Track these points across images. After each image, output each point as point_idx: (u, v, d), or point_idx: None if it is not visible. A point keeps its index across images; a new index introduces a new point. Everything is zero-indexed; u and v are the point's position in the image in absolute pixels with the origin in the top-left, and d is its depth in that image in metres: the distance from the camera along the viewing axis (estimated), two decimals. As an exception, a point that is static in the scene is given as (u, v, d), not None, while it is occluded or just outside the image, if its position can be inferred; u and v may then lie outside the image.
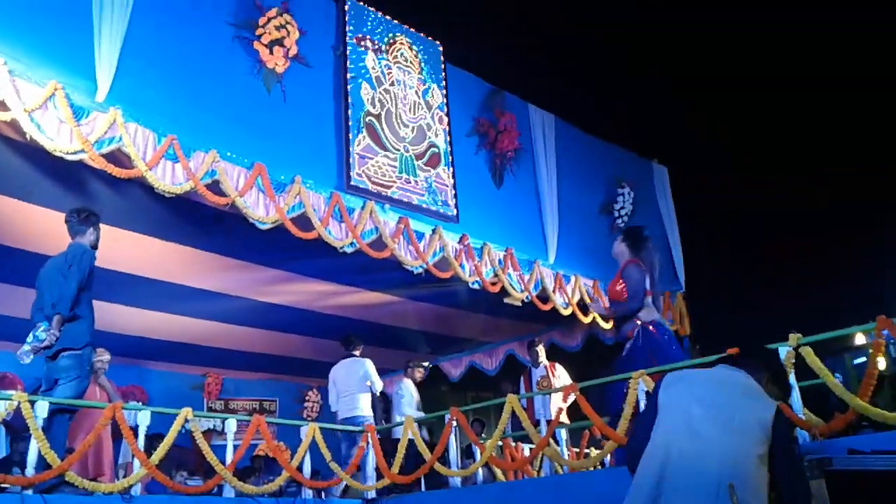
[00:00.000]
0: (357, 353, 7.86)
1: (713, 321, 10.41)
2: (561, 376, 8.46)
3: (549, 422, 6.65)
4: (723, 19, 11.93)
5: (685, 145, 12.13)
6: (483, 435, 9.78)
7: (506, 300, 8.45)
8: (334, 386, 7.69)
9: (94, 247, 5.31)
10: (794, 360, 4.67)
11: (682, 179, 11.25)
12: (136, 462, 5.22)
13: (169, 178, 5.66)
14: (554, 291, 8.76)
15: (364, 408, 7.47)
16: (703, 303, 10.68)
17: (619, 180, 10.13)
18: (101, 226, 5.46)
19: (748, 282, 11.06)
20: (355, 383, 7.55)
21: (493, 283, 8.07)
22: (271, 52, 6.45)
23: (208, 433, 7.81)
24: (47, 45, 5.14)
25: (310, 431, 6.20)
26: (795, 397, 4.58)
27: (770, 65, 12.07)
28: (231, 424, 6.02)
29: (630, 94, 12.68)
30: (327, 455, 6.25)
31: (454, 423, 6.39)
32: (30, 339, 4.89)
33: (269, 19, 6.46)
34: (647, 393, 4.56)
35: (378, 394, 7.71)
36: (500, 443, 6.44)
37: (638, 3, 12.19)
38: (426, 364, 9.09)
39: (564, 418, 7.22)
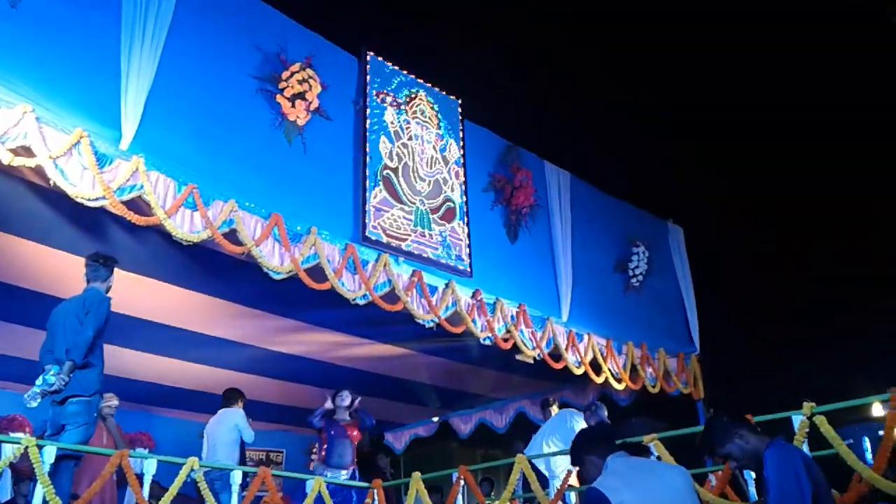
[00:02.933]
0: (234, 406, 7.54)
1: (728, 384, 10.27)
2: (574, 436, 8.33)
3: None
4: (736, 82, 12.06)
5: (701, 206, 12.16)
6: (492, 495, 9.62)
7: (517, 357, 8.39)
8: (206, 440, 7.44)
9: (107, 292, 5.36)
10: (807, 430, 4.60)
11: (698, 240, 11.24)
12: (140, 511, 5.16)
13: (187, 227, 5.71)
14: (566, 349, 8.69)
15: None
16: (718, 365, 10.55)
17: (633, 239, 10.12)
18: (119, 271, 5.53)
19: (765, 344, 10.93)
20: (223, 435, 7.29)
21: (506, 340, 8.02)
22: (293, 106, 6.56)
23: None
24: (75, 94, 5.26)
25: (315, 485, 6.12)
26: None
27: (786, 126, 12.12)
28: (236, 476, 5.96)
29: (646, 153, 12.77)
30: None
31: (462, 483, 6.29)
32: (39, 382, 4.89)
33: (293, 73, 6.59)
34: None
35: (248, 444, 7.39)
36: (508, 504, 6.31)
37: (655, 66, 12.36)
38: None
39: (574, 481, 7.08)
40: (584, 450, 3.32)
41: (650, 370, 9.75)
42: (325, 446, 7.13)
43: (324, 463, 6.96)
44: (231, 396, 7.58)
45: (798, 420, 4.61)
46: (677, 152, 12.74)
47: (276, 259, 6.26)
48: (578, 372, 8.81)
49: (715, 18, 11.29)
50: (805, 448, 4.54)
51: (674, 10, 11.39)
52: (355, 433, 7.25)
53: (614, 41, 12.16)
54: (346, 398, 7.42)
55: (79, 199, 5.14)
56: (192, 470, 5.48)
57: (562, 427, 7.90)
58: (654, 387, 9.68)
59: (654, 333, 10.07)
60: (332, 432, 7.14)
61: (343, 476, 7.07)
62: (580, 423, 7.75)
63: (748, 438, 3.17)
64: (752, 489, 5.34)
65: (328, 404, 7.35)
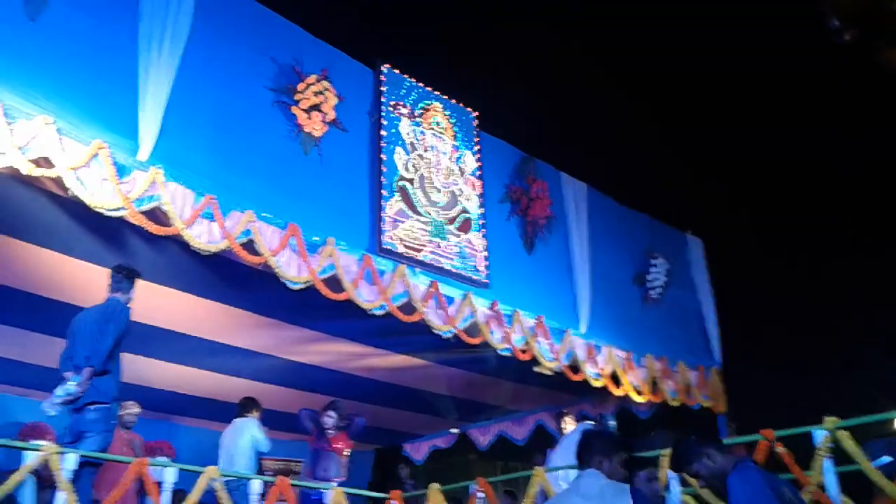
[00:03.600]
0: (249, 416, 7.58)
1: (750, 398, 10.14)
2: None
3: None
4: (757, 92, 11.99)
5: (722, 217, 12.07)
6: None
7: (536, 369, 8.36)
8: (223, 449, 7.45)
9: (128, 303, 5.44)
10: (830, 445, 4.52)
11: (718, 252, 11.15)
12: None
13: (205, 237, 5.78)
14: (585, 362, 8.64)
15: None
16: (740, 379, 10.43)
17: (652, 251, 10.07)
18: (138, 281, 5.61)
19: (787, 358, 10.80)
20: (239, 444, 7.31)
21: (524, 351, 8.00)
22: (309, 117, 6.63)
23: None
24: (94, 106, 5.36)
25: (335, 496, 6.12)
26: (832, 483, 4.42)
27: (811, 137, 12.02)
28: (255, 485, 5.97)
29: (665, 165, 12.72)
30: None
31: (480, 495, 6.26)
32: (59, 391, 4.97)
33: (308, 85, 6.67)
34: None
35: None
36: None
37: (674, 77, 12.33)
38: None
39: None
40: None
41: (670, 383, 9.66)
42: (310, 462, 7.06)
43: (312, 476, 6.93)
44: (246, 405, 7.61)
45: (820, 435, 4.53)
46: (697, 163, 12.67)
47: (293, 269, 6.30)
48: (597, 384, 8.75)
49: (734, 29, 11.25)
50: (829, 464, 4.46)
51: (693, 22, 11.36)
52: (340, 445, 7.14)
53: (631, 52, 12.16)
54: (328, 419, 7.32)
55: (98, 210, 5.21)
56: (211, 479, 5.50)
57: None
58: (674, 400, 9.59)
59: (674, 346, 9.99)
60: (317, 445, 7.09)
61: None
62: None
63: (715, 458, 3.27)
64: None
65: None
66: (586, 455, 3.48)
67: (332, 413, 7.16)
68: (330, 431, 7.11)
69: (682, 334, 10.30)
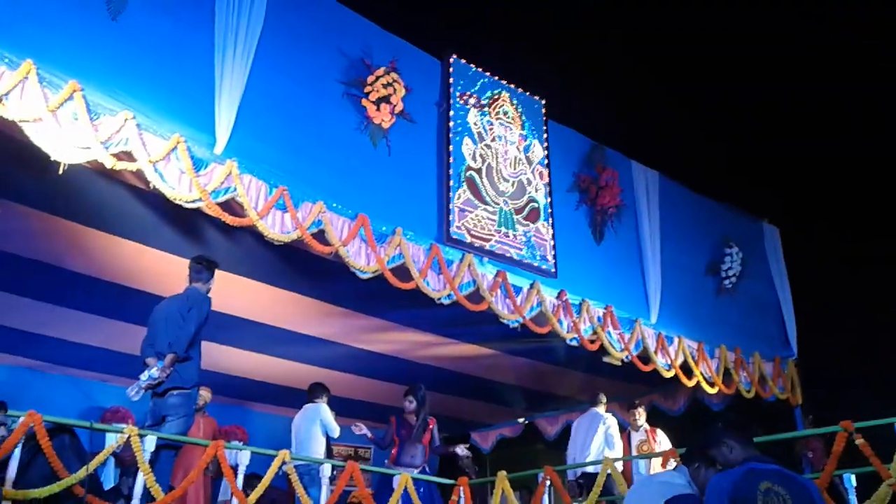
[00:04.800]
0: (318, 401, 7.64)
1: (827, 390, 9.81)
2: (662, 442, 8.18)
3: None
4: (833, 80, 11.53)
5: (799, 205, 11.67)
6: (580, 498, 9.50)
7: (605, 359, 8.26)
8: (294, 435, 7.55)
9: (208, 293, 5.62)
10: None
11: (795, 240, 10.80)
12: (235, 501, 5.36)
13: (278, 227, 5.90)
14: (656, 352, 8.50)
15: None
16: (817, 370, 10.10)
17: (726, 240, 9.82)
18: (216, 271, 5.79)
19: (866, 349, 10.39)
20: (309, 429, 7.40)
21: (592, 341, 7.92)
22: (378, 109, 6.69)
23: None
24: (172, 102, 5.52)
25: (402, 481, 6.20)
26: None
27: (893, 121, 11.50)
28: (326, 469, 6.10)
29: (740, 151, 12.36)
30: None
31: (548, 483, 6.26)
32: (143, 376, 5.17)
33: (377, 77, 6.72)
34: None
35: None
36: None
37: (749, 64, 11.95)
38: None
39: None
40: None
41: (744, 374, 9.43)
42: (395, 448, 7.06)
43: (394, 463, 6.96)
44: (316, 391, 7.73)
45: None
46: (774, 149, 12.27)
47: (362, 259, 6.38)
48: (668, 375, 8.60)
49: (811, 10, 10.83)
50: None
51: (767, 4, 10.99)
52: (425, 434, 7.07)
53: (703, 37, 11.84)
54: (408, 404, 7.12)
55: (176, 201, 5.38)
56: (283, 462, 5.65)
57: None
58: (748, 392, 9.36)
59: (748, 337, 9.74)
60: (403, 432, 7.08)
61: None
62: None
63: (734, 449, 3.28)
64: (853, 497, 5.10)
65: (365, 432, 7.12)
66: (687, 456, 3.66)
67: (410, 398, 7.11)
68: (411, 417, 7.10)
69: (757, 325, 10.02)
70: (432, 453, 7.25)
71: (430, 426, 7.08)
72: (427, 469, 7.05)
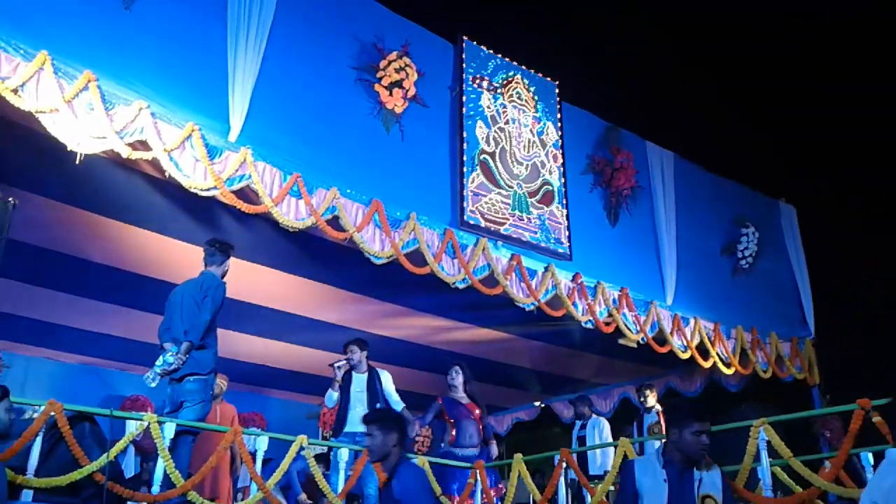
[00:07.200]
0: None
1: (845, 370, 9.76)
2: (673, 423, 8.17)
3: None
4: (850, 54, 11.37)
5: (815, 184, 11.56)
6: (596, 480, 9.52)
7: (620, 341, 8.25)
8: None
9: (223, 276, 5.63)
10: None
11: (813, 220, 10.70)
12: (254, 486, 5.41)
13: (293, 214, 5.92)
14: (672, 334, 8.48)
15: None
16: (835, 350, 10.04)
17: (742, 220, 9.75)
18: (231, 253, 5.80)
19: (884, 328, 10.32)
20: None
21: (608, 324, 7.90)
22: (391, 94, 6.67)
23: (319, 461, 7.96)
24: (186, 90, 5.53)
25: (419, 464, 6.23)
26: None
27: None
28: (343, 454, 6.13)
29: (755, 130, 12.24)
30: (437, 489, 6.25)
31: (564, 465, 6.26)
32: (159, 362, 5.19)
33: (390, 62, 6.69)
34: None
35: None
36: (611, 487, 6.24)
37: (763, 41, 11.81)
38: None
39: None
40: None
41: (761, 355, 9.39)
42: (453, 430, 7.01)
43: (453, 444, 6.92)
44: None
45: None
46: (790, 127, 12.14)
47: (376, 244, 6.39)
48: (684, 356, 8.58)
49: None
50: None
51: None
52: (477, 412, 6.87)
53: (716, 15, 11.70)
54: (455, 376, 7.01)
55: (192, 190, 5.41)
56: (301, 447, 5.69)
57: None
58: (765, 372, 9.32)
59: (765, 317, 9.69)
60: (456, 413, 7.04)
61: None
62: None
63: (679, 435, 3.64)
64: (871, 475, 5.08)
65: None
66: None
67: (457, 370, 6.96)
68: (462, 397, 6.93)
69: (774, 305, 9.97)
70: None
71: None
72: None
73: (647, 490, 3.68)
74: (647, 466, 3.79)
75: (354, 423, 6.37)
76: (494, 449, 6.95)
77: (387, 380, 6.87)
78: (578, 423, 8.68)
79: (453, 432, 6.86)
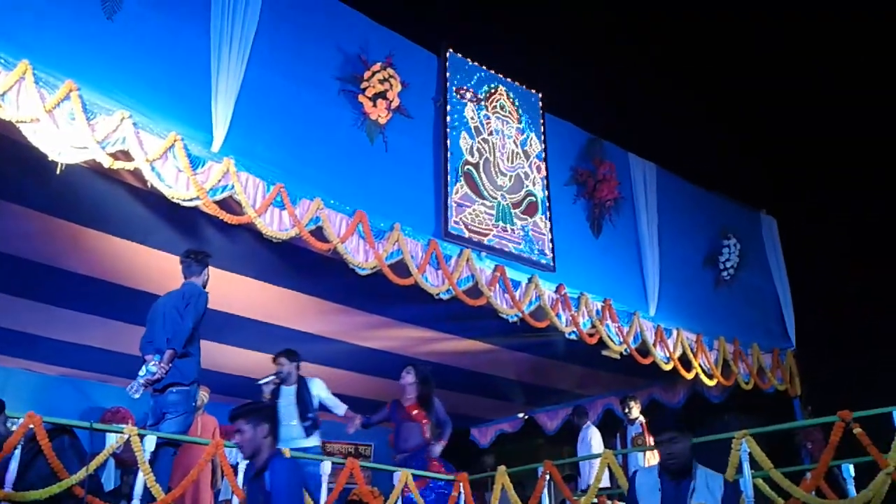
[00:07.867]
0: None
1: (826, 381, 9.83)
2: (656, 434, 8.20)
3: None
4: (831, 64, 11.52)
5: (796, 195, 11.66)
6: (580, 491, 9.52)
7: (604, 352, 8.28)
8: None
9: (204, 286, 5.60)
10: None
11: (793, 231, 10.80)
12: (235, 500, 5.36)
13: (276, 225, 5.90)
14: (654, 345, 8.51)
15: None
16: (816, 361, 10.12)
17: (724, 231, 9.83)
18: (212, 269, 5.75)
19: (865, 340, 10.41)
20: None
21: (591, 335, 7.93)
22: (375, 105, 6.67)
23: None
24: (168, 100, 5.50)
25: (402, 477, 6.20)
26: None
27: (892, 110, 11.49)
28: (326, 466, 6.09)
29: (736, 142, 12.35)
30: (420, 502, 6.22)
31: (547, 477, 6.26)
32: (142, 372, 5.15)
33: (374, 73, 6.70)
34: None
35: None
36: (594, 500, 6.24)
37: (742, 52, 11.94)
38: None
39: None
40: None
41: (743, 366, 9.45)
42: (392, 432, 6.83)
43: (393, 447, 6.77)
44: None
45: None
46: (770, 140, 12.26)
47: (360, 255, 6.38)
48: (667, 368, 8.62)
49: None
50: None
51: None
52: (416, 412, 6.59)
53: (697, 27, 11.82)
54: (404, 375, 6.75)
55: (174, 200, 5.37)
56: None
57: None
58: (747, 383, 9.38)
59: (746, 329, 9.77)
60: (397, 416, 6.70)
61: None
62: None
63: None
64: (852, 487, 5.12)
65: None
66: None
67: (409, 369, 6.73)
68: (409, 398, 6.67)
69: (756, 316, 10.05)
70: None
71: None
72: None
73: (644, 499, 3.80)
74: (647, 476, 3.91)
75: (286, 440, 6.12)
76: (436, 448, 6.58)
77: (317, 386, 6.67)
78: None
79: (392, 435, 6.82)
